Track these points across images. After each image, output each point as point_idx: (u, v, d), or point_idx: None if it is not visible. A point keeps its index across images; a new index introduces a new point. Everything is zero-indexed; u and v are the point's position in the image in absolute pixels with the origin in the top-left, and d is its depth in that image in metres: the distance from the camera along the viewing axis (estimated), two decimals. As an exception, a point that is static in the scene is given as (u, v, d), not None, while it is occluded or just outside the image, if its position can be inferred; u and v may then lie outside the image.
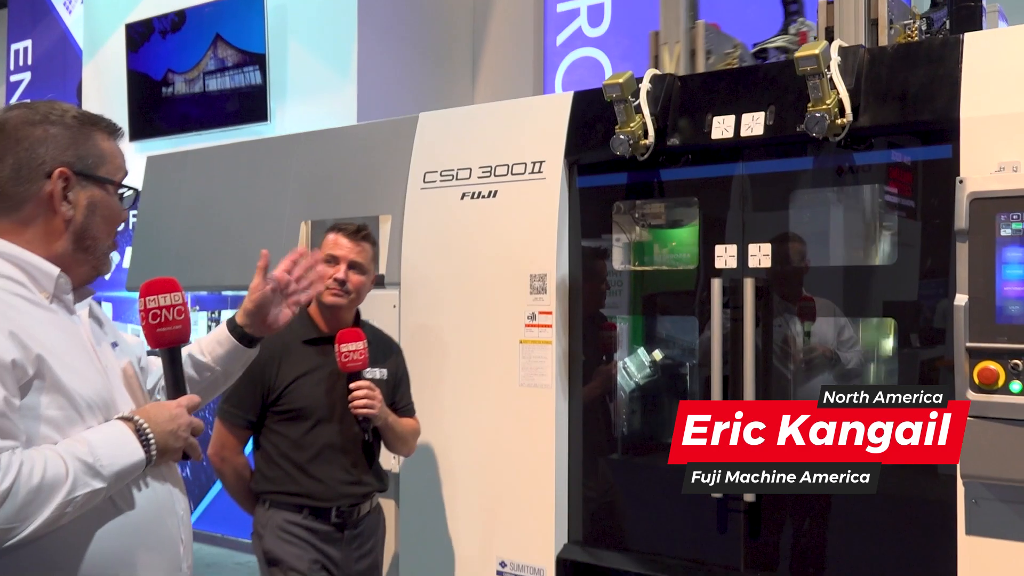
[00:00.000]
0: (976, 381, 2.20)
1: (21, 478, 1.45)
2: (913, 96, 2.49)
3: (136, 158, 7.86)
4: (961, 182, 2.28)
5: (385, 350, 2.95)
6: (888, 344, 2.72)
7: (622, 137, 2.80)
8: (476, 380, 3.19)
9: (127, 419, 1.63)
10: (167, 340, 1.72)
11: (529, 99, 3.68)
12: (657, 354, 3.27)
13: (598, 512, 3.03)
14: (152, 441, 1.62)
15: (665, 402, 3.25)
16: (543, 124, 3.13)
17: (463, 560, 3.22)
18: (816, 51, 2.45)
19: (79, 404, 1.59)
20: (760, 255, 2.73)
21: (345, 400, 2.72)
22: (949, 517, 2.37)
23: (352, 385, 2.70)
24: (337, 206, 3.67)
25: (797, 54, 2.49)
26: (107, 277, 1.82)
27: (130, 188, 1.76)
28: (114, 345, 1.78)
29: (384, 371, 2.90)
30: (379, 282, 3.48)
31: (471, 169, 3.26)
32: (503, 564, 3.12)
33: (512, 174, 3.15)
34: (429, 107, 6.41)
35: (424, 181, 3.37)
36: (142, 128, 7.60)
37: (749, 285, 2.69)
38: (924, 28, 2.94)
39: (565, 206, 3.06)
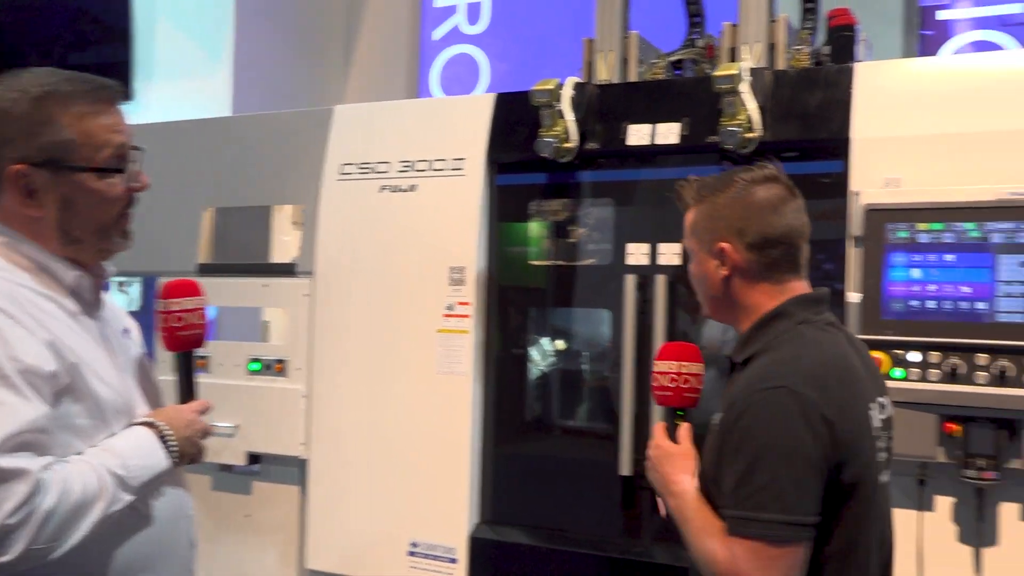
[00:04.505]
0: (866, 370, 2.51)
1: (61, 498, 1.40)
2: (812, 116, 2.80)
3: (-21, 132, 7.41)
4: (857, 195, 2.59)
5: (740, 387, 1.71)
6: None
7: (548, 140, 2.98)
8: (392, 368, 3.29)
9: (149, 424, 1.60)
10: (187, 343, 1.71)
11: (450, 98, 3.81)
12: (560, 344, 3.48)
13: (510, 493, 3.21)
14: (175, 448, 1.61)
15: (568, 389, 3.46)
16: (464, 123, 3.27)
17: (373, 542, 3.32)
18: (734, 71, 2.71)
19: (106, 411, 1.55)
20: (670, 253, 2.97)
21: None
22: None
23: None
24: (245, 194, 3.68)
25: (716, 73, 2.74)
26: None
27: (117, 169, 1.55)
28: (126, 332, 1.73)
29: (717, 417, 1.74)
30: (291, 271, 3.52)
31: (390, 163, 3.36)
32: (415, 544, 3.24)
33: (433, 170, 3.28)
34: (304, 97, 6.42)
35: (340, 173, 3.44)
36: (-12, 101, 7.17)
37: (661, 281, 2.93)
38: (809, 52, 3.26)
39: (485, 202, 3.22)
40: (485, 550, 3.17)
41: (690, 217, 1.86)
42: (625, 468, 2.96)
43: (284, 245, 3.77)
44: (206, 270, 3.68)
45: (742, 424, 1.62)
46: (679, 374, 1.85)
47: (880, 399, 1.83)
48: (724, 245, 1.77)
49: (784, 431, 1.59)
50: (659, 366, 1.89)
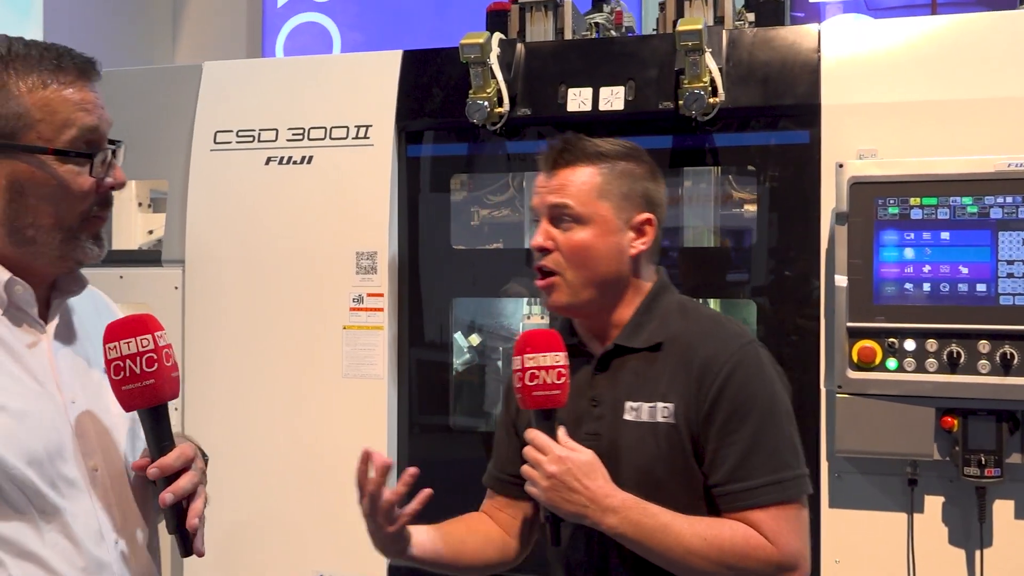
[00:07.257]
0: (855, 360, 2.27)
1: None
2: (774, 80, 2.52)
3: None
4: (841, 166, 2.33)
5: (679, 360, 1.56)
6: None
7: (480, 103, 2.56)
8: (287, 374, 2.78)
9: None
10: (140, 401, 1.28)
11: (350, 55, 3.32)
12: (475, 339, 3.08)
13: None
14: None
15: (486, 389, 3.07)
16: (367, 84, 2.80)
17: (269, 578, 2.81)
18: (699, 26, 2.39)
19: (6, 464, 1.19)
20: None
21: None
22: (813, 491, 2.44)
23: (527, 434, 1.56)
24: (90, 166, 3.05)
25: (679, 28, 2.41)
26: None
27: (82, 154, 1.27)
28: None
29: (668, 407, 1.54)
30: (156, 260, 2.94)
31: (277, 130, 2.84)
32: (321, 578, 2.77)
33: (331, 138, 2.79)
34: (125, 61, 5.67)
35: (215, 142, 2.88)
36: None
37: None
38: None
39: (395, 177, 2.76)
40: (406, 581, 2.73)
41: (591, 177, 1.59)
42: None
43: (141, 228, 3.17)
44: (41, 260, 3.03)
45: (731, 390, 1.49)
46: (558, 366, 1.52)
47: None
48: (650, 216, 1.61)
49: (773, 384, 1.54)
50: (539, 359, 1.51)
